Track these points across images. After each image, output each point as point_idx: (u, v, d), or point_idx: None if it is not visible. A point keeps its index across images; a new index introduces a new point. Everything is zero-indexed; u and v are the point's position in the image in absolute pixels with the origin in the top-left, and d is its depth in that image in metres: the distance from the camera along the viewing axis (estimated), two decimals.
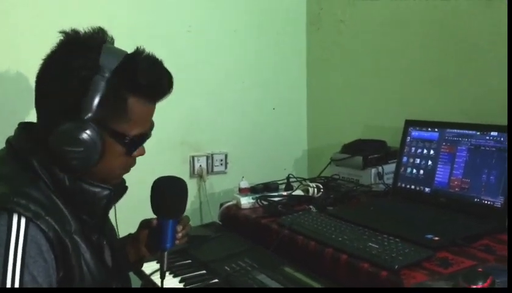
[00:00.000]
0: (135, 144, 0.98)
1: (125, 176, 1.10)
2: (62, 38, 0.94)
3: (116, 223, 1.20)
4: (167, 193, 1.12)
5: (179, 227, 1.17)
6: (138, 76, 0.92)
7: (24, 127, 1.00)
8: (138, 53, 0.96)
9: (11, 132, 1.02)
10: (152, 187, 1.13)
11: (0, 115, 1.64)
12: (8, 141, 0.99)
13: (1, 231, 0.81)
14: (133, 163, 1.04)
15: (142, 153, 1.03)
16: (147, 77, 0.93)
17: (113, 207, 1.09)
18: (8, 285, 0.79)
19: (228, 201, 1.74)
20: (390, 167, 1.73)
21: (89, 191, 0.96)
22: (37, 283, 0.82)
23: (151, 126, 1.04)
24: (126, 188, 1.09)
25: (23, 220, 0.83)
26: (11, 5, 1.67)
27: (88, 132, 0.89)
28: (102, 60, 0.91)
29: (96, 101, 0.89)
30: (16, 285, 0.79)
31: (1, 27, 1.66)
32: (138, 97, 0.94)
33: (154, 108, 1.01)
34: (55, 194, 0.92)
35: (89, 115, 0.89)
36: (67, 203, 0.93)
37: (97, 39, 0.95)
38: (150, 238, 1.21)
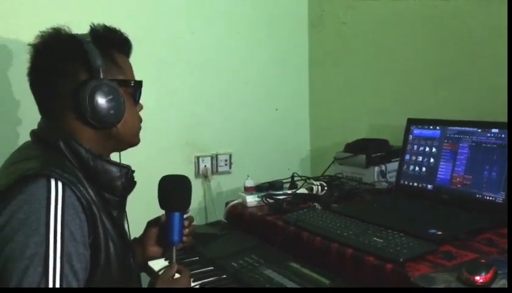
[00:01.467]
0: (138, 91, 1.10)
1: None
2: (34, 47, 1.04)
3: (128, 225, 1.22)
4: (172, 186, 1.20)
5: (186, 223, 1.23)
6: (112, 35, 1.08)
7: (45, 119, 1.06)
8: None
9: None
10: (159, 184, 1.21)
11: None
12: (33, 131, 1.06)
13: (41, 192, 0.87)
14: (140, 117, 1.14)
15: (142, 107, 1.14)
16: (117, 34, 1.09)
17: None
18: (52, 240, 0.84)
19: (234, 200, 1.77)
20: (392, 165, 1.76)
21: (109, 170, 1.04)
22: (75, 239, 0.88)
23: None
24: (135, 183, 1.14)
25: (60, 184, 0.89)
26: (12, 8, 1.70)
27: (108, 83, 1.01)
28: (76, 36, 1.04)
29: (100, 57, 1.01)
30: (59, 240, 0.85)
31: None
32: (118, 52, 1.08)
33: (129, 62, 1.13)
34: (80, 172, 0.98)
35: (103, 69, 1.00)
36: (91, 181, 0.99)
37: (58, 30, 1.06)
38: (159, 235, 1.27)
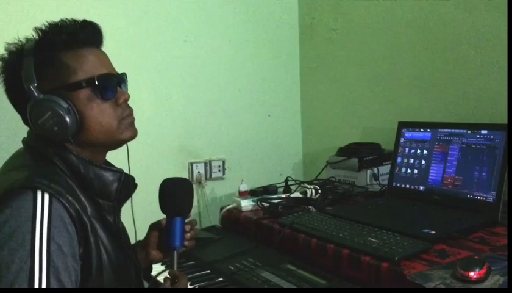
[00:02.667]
0: (100, 87, 1.00)
1: None
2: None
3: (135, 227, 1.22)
4: (174, 191, 1.16)
5: (187, 227, 1.21)
6: (53, 36, 0.99)
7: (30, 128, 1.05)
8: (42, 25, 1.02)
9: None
10: (160, 188, 1.17)
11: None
12: (24, 140, 1.06)
13: (27, 205, 0.86)
14: (127, 110, 1.06)
15: (127, 97, 1.05)
16: (61, 32, 0.99)
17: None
18: (37, 254, 0.83)
19: (228, 205, 1.78)
20: (384, 168, 1.79)
21: (101, 175, 1.02)
22: (63, 252, 0.86)
23: (113, 69, 1.07)
24: (136, 185, 1.13)
25: (46, 196, 0.87)
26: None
27: (44, 98, 0.95)
28: (25, 48, 0.98)
29: (32, 75, 0.95)
30: (44, 254, 0.83)
31: None
32: (67, 51, 0.99)
33: (98, 52, 1.04)
34: (71, 179, 0.97)
35: (34, 87, 0.95)
36: (82, 188, 0.98)
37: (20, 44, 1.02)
38: (160, 239, 1.24)
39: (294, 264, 1.33)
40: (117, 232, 1.07)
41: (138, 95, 1.12)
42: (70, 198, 0.91)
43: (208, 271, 1.40)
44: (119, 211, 1.12)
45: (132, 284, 1.11)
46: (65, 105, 0.96)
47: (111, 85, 1.03)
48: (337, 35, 2.21)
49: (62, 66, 0.98)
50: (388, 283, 1.10)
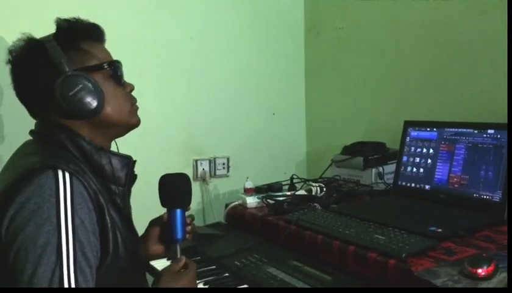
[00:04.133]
0: (116, 71, 1.08)
1: None
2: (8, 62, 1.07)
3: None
4: (173, 184, 1.19)
5: (188, 219, 1.23)
6: (73, 27, 1.07)
7: (41, 118, 1.08)
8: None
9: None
10: (159, 183, 1.19)
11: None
12: (32, 131, 1.08)
13: (49, 183, 0.88)
14: (134, 99, 1.13)
15: (133, 87, 1.13)
16: (79, 26, 1.08)
17: None
18: (63, 228, 0.85)
19: (233, 202, 1.78)
20: (389, 168, 1.79)
21: (112, 161, 1.05)
22: (85, 228, 0.88)
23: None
24: (136, 176, 1.15)
25: (67, 174, 0.90)
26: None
27: (75, 74, 1.01)
28: (40, 40, 1.04)
29: (61, 53, 1.01)
30: (70, 228, 0.86)
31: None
32: (86, 40, 1.07)
33: (103, 46, 1.13)
34: (83, 165, 0.99)
35: (65, 63, 1.00)
36: (94, 173, 1.00)
37: (27, 40, 1.07)
38: (161, 235, 1.26)
39: (299, 260, 1.34)
40: (127, 216, 1.10)
41: (143, 92, 1.15)
42: (88, 178, 0.94)
43: (214, 266, 1.40)
44: (129, 196, 1.15)
45: (141, 269, 1.15)
46: (94, 83, 1.02)
47: (122, 72, 1.11)
48: (343, 33, 2.22)
49: (83, 51, 1.05)
50: (395, 279, 1.11)
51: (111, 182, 1.05)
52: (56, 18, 1.08)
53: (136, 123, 1.12)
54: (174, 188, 1.18)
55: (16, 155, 1.05)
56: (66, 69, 1.00)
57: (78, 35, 1.06)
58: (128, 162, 1.09)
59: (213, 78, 2.18)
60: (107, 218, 0.96)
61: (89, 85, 1.01)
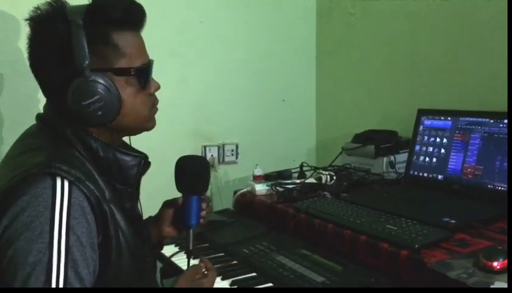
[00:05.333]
0: (143, 76, 0.98)
1: None
2: (30, 24, 0.95)
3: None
4: (191, 169, 1.14)
5: (204, 205, 1.19)
6: (109, 10, 0.93)
7: (52, 103, 1.00)
8: None
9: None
10: (176, 165, 1.15)
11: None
12: (39, 116, 1.00)
13: (46, 193, 0.82)
14: (156, 100, 1.04)
15: (158, 87, 1.02)
16: (117, 8, 0.94)
17: None
18: (55, 246, 0.80)
19: (242, 189, 1.76)
20: (401, 157, 1.76)
21: (121, 159, 0.97)
22: (81, 244, 0.83)
23: (150, 59, 1.02)
24: (149, 163, 1.07)
25: (66, 183, 0.83)
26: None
27: (95, 79, 0.91)
28: (69, 15, 0.91)
29: (85, 50, 0.89)
30: (63, 246, 0.80)
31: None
32: (120, 30, 0.95)
33: (140, 37, 1.01)
34: (90, 163, 0.92)
35: (87, 64, 0.90)
36: (101, 172, 0.93)
37: (56, 7, 0.95)
38: (175, 217, 1.22)
39: (308, 249, 1.32)
40: (134, 217, 1.04)
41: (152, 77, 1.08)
42: (90, 184, 0.87)
43: (222, 254, 1.39)
44: (137, 196, 1.09)
45: (149, 272, 1.11)
46: (114, 92, 0.93)
47: (150, 74, 1.01)
48: (355, 19, 2.17)
49: (112, 46, 0.94)
50: (407, 271, 1.09)
51: (117, 182, 0.98)
52: None
53: (150, 127, 1.04)
54: (192, 174, 1.13)
55: (18, 146, 0.98)
56: (86, 74, 0.90)
57: (113, 23, 0.93)
58: (140, 162, 1.00)
59: (223, 63, 2.15)
60: (110, 225, 0.91)
61: (108, 97, 0.92)
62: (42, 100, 1.02)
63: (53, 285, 0.78)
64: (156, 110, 1.05)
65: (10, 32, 1.69)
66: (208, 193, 2.14)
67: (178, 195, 1.19)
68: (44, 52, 0.94)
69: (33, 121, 1.03)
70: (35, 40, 0.95)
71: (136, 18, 0.98)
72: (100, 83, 0.91)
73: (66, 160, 0.87)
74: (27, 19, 0.95)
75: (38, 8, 0.94)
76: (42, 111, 1.02)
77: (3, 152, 1.02)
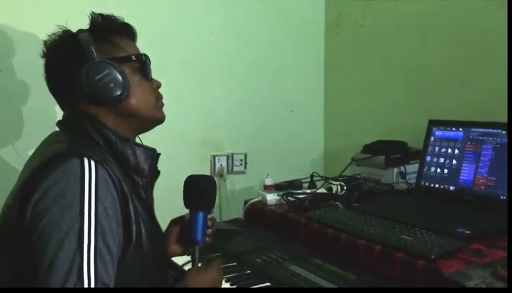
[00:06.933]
0: (144, 64, 1.10)
1: None
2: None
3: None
4: (199, 186, 1.19)
5: (209, 223, 1.22)
6: (110, 21, 1.10)
7: (69, 108, 1.09)
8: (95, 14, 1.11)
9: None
10: (185, 182, 1.20)
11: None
12: (59, 121, 1.09)
13: (75, 169, 0.88)
14: (159, 94, 1.13)
15: (159, 84, 1.14)
16: (116, 19, 1.11)
17: None
18: (86, 215, 0.85)
19: (252, 198, 1.77)
20: (411, 167, 1.76)
21: (136, 152, 1.05)
22: (108, 216, 0.88)
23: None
24: (159, 172, 1.16)
25: (92, 162, 0.90)
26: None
27: (103, 60, 1.02)
28: (75, 32, 1.06)
29: (92, 45, 1.02)
30: (93, 215, 0.86)
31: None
32: (119, 36, 1.09)
33: (134, 44, 1.14)
34: (109, 155, 0.99)
35: (93, 52, 1.02)
36: (119, 164, 1.00)
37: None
38: (181, 235, 1.26)
39: (321, 259, 1.32)
40: (150, 208, 1.10)
41: (162, 86, 1.14)
42: (113, 167, 0.94)
43: (235, 263, 1.39)
44: (152, 188, 1.15)
45: (163, 259, 1.17)
46: (120, 70, 1.03)
47: (150, 67, 1.12)
48: (364, 31, 2.19)
49: (113, 44, 1.07)
50: (423, 281, 1.09)
51: (134, 173, 1.05)
52: (91, 12, 1.09)
53: (160, 118, 1.12)
54: (199, 191, 1.17)
55: (42, 144, 1.06)
56: (94, 56, 1.01)
57: (111, 30, 1.08)
58: (152, 154, 1.09)
59: (232, 74, 2.17)
60: (131, 206, 0.96)
61: (115, 72, 1.02)
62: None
63: (85, 251, 0.83)
64: (162, 104, 1.14)
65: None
66: (217, 203, 2.12)
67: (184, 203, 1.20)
68: (56, 65, 1.06)
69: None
70: (48, 62, 1.08)
71: (128, 30, 1.13)
72: (107, 62, 1.02)
73: (89, 147, 0.95)
74: (41, 55, 1.08)
75: (47, 38, 1.08)
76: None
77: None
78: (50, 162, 0.89)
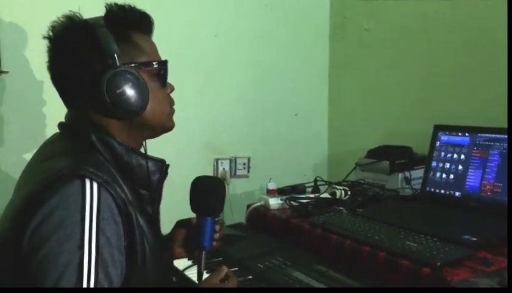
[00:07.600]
0: (164, 71, 1.03)
1: None
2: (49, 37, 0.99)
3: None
4: (207, 190, 1.12)
5: (217, 227, 1.17)
6: (128, 14, 1.01)
7: (74, 109, 1.01)
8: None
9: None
10: (192, 185, 1.14)
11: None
12: (61, 124, 1.02)
13: (76, 195, 0.82)
14: (172, 100, 1.07)
15: (173, 88, 1.07)
16: (134, 12, 1.02)
17: None
18: (86, 247, 0.80)
19: (255, 203, 1.74)
20: (416, 173, 1.74)
21: (143, 164, 0.99)
22: (111, 245, 0.83)
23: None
24: (167, 173, 1.08)
25: (95, 185, 0.84)
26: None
27: (126, 69, 0.94)
28: (90, 21, 0.96)
29: (114, 46, 0.94)
30: (93, 247, 0.81)
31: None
32: (137, 32, 1.01)
33: (152, 41, 1.06)
34: (113, 167, 0.93)
35: (116, 58, 0.93)
36: (124, 177, 0.94)
37: (73, 17, 1.00)
38: (188, 238, 1.21)
39: (324, 265, 1.30)
40: (155, 222, 1.04)
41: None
42: (117, 187, 0.88)
43: (236, 268, 1.37)
44: (159, 201, 1.08)
45: (168, 277, 1.12)
46: (142, 81, 0.96)
47: (167, 70, 1.04)
48: (369, 35, 2.17)
49: (133, 44, 0.99)
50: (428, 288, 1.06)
51: (140, 187, 0.99)
52: (106, 3, 1.00)
53: (171, 127, 1.06)
54: (208, 195, 1.11)
55: (42, 152, 0.99)
56: (117, 64, 0.93)
57: (130, 25, 1.00)
58: (161, 166, 1.02)
59: (236, 77, 2.16)
60: (136, 229, 0.91)
61: (138, 83, 0.94)
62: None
63: (85, 285, 0.78)
64: (174, 111, 1.08)
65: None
66: None
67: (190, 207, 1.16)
68: (66, 60, 0.97)
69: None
70: (56, 51, 0.98)
71: (147, 24, 1.05)
72: (130, 72, 0.94)
73: (92, 163, 0.88)
74: (45, 37, 0.98)
75: (55, 21, 0.98)
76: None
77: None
78: (49, 186, 0.83)
